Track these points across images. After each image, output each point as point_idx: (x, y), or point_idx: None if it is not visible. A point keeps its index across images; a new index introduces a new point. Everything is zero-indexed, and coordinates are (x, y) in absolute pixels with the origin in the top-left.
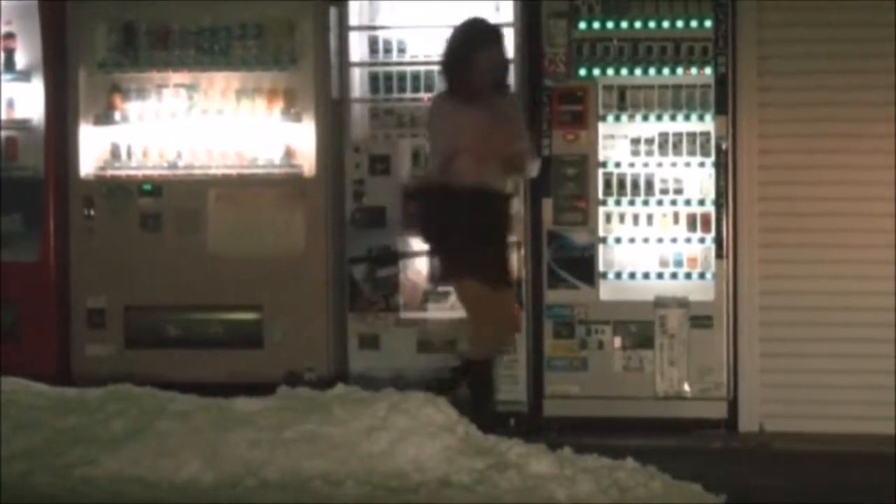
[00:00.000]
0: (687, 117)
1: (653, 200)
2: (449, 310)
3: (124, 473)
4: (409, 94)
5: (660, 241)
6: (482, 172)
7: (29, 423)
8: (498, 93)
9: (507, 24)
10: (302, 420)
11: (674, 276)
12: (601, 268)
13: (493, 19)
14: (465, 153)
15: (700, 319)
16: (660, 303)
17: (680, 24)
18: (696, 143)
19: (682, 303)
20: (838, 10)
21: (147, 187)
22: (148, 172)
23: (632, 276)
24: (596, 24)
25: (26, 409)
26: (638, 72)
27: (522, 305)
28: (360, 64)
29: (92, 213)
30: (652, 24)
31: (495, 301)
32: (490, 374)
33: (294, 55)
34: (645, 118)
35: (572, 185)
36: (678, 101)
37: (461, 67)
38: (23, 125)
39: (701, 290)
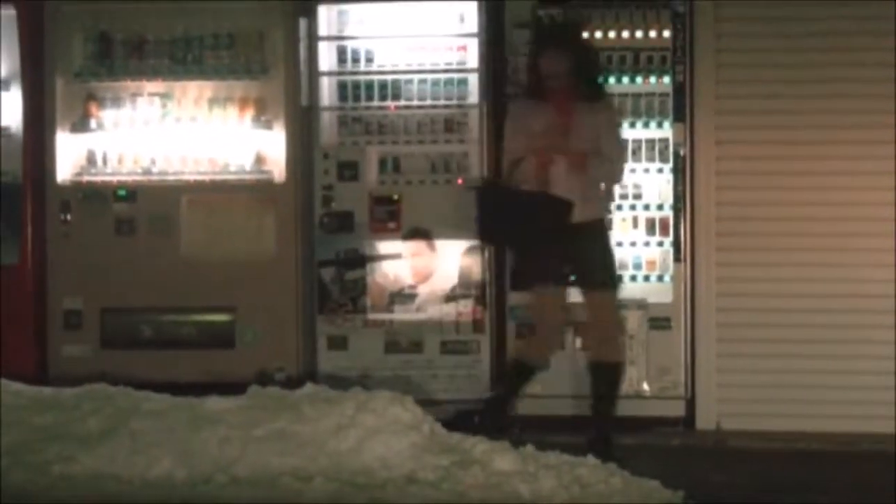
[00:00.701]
0: (646, 124)
1: (612, 205)
2: (415, 311)
3: (100, 470)
4: (376, 103)
5: (619, 244)
6: (547, 177)
7: (7, 421)
8: (583, 96)
9: (472, 34)
10: (272, 418)
11: (633, 278)
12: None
13: (457, 30)
14: (530, 156)
15: (659, 321)
16: (619, 304)
17: (639, 34)
18: (655, 149)
19: (642, 304)
20: (794, 22)
21: (122, 193)
22: (123, 178)
23: None
24: None
25: (4, 407)
26: (599, 80)
27: (486, 307)
28: (329, 73)
29: (69, 217)
30: (612, 34)
31: (551, 305)
32: (610, 381)
33: (265, 65)
34: None
35: None
36: (637, 108)
37: (529, 70)
38: (2, 132)
39: (659, 293)
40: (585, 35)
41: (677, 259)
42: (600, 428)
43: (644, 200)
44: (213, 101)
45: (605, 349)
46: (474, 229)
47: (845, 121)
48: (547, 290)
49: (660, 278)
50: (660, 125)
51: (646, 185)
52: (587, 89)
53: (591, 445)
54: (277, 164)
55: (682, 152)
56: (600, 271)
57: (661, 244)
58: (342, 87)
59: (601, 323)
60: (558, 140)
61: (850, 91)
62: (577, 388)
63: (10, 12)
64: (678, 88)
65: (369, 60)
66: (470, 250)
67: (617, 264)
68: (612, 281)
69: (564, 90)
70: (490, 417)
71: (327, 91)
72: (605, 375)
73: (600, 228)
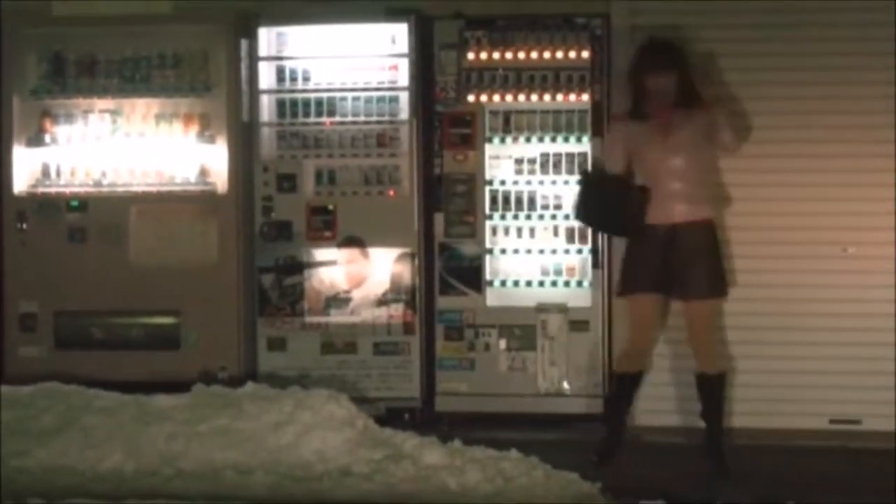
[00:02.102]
0: (566, 139)
1: (535, 215)
2: (349, 314)
3: (54, 464)
4: (312, 119)
5: (541, 252)
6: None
7: None
8: (682, 105)
9: (402, 55)
10: (215, 415)
11: (554, 283)
12: (488, 276)
13: (388, 50)
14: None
15: (578, 323)
16: (541, 308)
17: (560, 54)
18: (574, 162)
19: (562, 308)
20: (703, 43)
21: (74, 203)
22: (75, 189)
23: (516, 283)
24: (483, 55)
25: None
26: (521, 98)
27: (416, 311)
28: (269, 91)
29: (24, 226)
30: (534, 55)
31: (646, 309)
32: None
33: (208, 83)
34: (527, 140)
35: (461, 201)
36: (558, 124)
37: (634, 90)
38: None
39: (579, 297)
40: (685, 50)
41: (595, 265)
42: (711, 439)
43: (564, 210)
44: (159, 117)
45: (704, 361)
46: (574, 213)
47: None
48: (642, 292)
49: (579, 284)
50: (579, 140)
51: (566, 196)
52: (686, 99)
53: (708, 456)
54: (220, 177)
55: None
56: (701, 280)
57: (580, 252)
58: (281, 104)
59: (697, 334)
60: (666, 155)
61: (756, 108)
62: (501, 386)
63: None
64: (596, 106)
65: (306, 79)
66: (401, 257)
67: (724, 275)
68: (716, 289)
69: (668, 105)
70: (613, 444)
71: (267, 108)
72: (706, 387)
73: (707, 230)
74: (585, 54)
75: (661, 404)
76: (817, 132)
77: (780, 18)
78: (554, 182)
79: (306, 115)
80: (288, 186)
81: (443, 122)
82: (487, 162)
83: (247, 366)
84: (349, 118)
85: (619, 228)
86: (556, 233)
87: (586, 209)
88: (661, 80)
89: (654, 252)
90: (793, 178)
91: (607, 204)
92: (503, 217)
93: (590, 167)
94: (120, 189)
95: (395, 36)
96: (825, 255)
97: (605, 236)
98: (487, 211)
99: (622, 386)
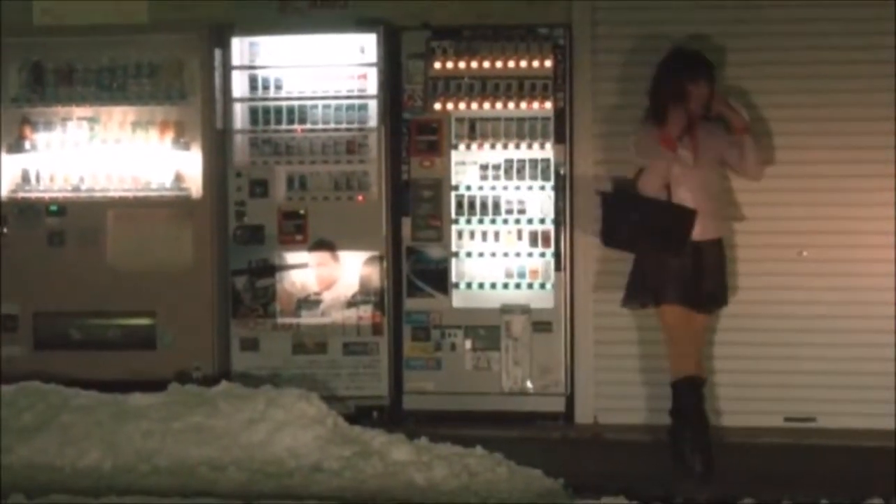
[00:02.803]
0: (529, 146)
1: (499, 219)
2: (319, 316)
3: (34, 460)
4: (284, 126)
5: (505, 255)
6: (704, 223)
7: None
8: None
9: (371, 64)
10: (190, 413)
11: (518, 286)
12: (454, 279)
13: (357, 60)
14: (681, 194)
15: (541, 324)
16: (505, 310)
17: (524, 63)
18: (538, 168)
19: (525, 310)
20: (662, 53)
21: (53, 208)
22: (54, 195)
23: (481, 286)
24: (449, 64)
25: None
26: (486, 106)
27: (385, 312)
28: (242, 99)
29: (5, 230)
30: (499, 64)
31: (686, 318)
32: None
33: (183, 91)
34: (492, 146)
35: (428, 206)
36: (522, 131)
37: (671, 99)
38: None
39: (542, 299)
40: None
41: (558, 268)
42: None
43: (528, 215)
44: (136, 125)
45: (700, 367)
46: (600, 232)
47: None
48: (679, 303)
49: (542, 286)
50: (542, 146)
51: (529, 200)
52: (709, 111)
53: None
54: (195, 182)
55: (562, 171)
56: (715, 293)
57: (543, 255)
58: (254, 111)
59: (699, 342)
60: (690, 169)
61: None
62: (467, 385)
63: None
64: (559, 113)
65: (278, 87)
66: (369, 260)
67: (727, 288)
68: (721, 303)
69: (696, 116)
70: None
71: (240, 115)
72: (686, 390)
73: (720, 247)
74: (548, 63)
75: (623, 403)
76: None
77: (744, 28)
78: (518, 187)
79: (278, 122)
80: (260, 192)
81: (410, 130)
82: (453, 168)
83: (220, 365)
84: (320, 125)
85: (669, 244)
86: (519, 236)
87: (624, 230)
88: (700, 88)
89: (682, 265)
90: (750, 183)
91: (657, 221)
92: (469, 221)
93: (609, 188)
94: (98, 194)
95: (364, 46)
96: (781, 258)
97: (568, 239)
98: (453, 215)
99: (687, 397)
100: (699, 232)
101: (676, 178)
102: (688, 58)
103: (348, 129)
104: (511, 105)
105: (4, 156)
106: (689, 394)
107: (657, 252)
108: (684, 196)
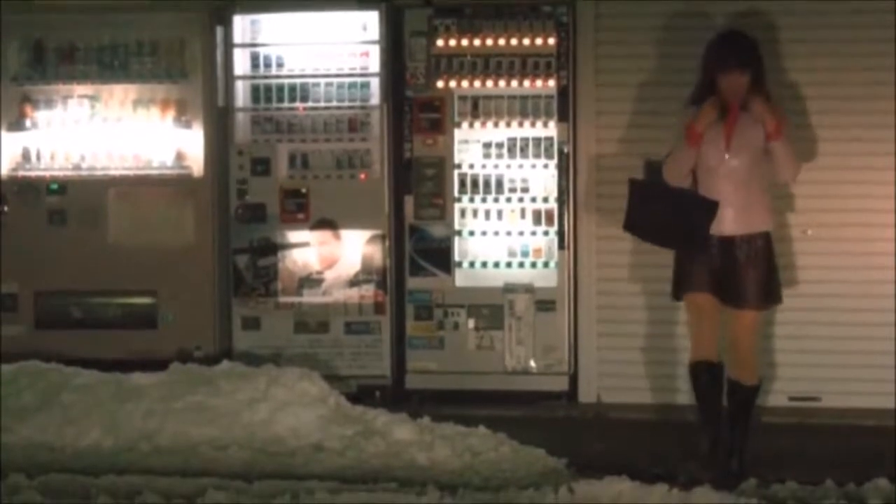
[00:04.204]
0: (532, 124)
1: (502, 198)
2: (321, 295)
3: (34, 440)
4: (286, 104)
5: (508, 233)
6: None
7: None
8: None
9: (373, 42)
10: (191, 392)
11: (521, 264)
12: (457, 257)
13: (360, 37)
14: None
15: (544, 303)
16: (508, 288)
17: (526, 41)
18: (541, 146)
19: (529, 288)
20: (668, 30)
21: (54, 186)
22: (55, 173)
23: (484, 264)
24: (452, 42)
25: None
26: (489, 84)
27: (387, 291)
28: (243, 77)
29: (5, 209)
30: (501, 42)
31: (704, 307)
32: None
33: (185, 69)
34: (495, 125)
35: (431, 184)
36: (525, 109)
37: (704, 87)
38: None
39: (545, 278)
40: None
41: (561, 247)
42: (735, 441)
43: (531, 193)
44: (137, 103)
45: (742, 371)
46: (623, 221)
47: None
48: (699, 293)
49: (545, 265)
50: (545, 125)
51: (532, 179)
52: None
53: (731, 456)
54: (196, 161)
55: (565, 149)
56: (754, 289)
57: (546, 233)
58: (255, 89)
59: (741, 344)
60: (726, 157)
61: None
62: (469, 364)
63: None
64: (562, 91)
65: (280, 65)
66: (372, 239)
67: (778, 284)
68: (766, 301)
69: (735, 105)
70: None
71: (242, 93)
72: (739, 396)
73: (764, 242)
74: (551, 41)
75: (626, 382)
76: None
77: (747, 5)
78: (521, 166)
79: (280, 100)
80: (262, 170)
81: (413, 108)
82: (456, 146)
83: (222, 344)
84: (321, 103)
85: (689, 237)
86: (522, 215)
87: (646, 219)
88: (732, 81)
89: (709, 258)
90: None
91: (678, 214)
92: (472, 200)
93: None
94: (98, 173)
95: (366, 23)
96: (785, 237)
97: (572, 218)
98: (456, 194)
99: (699, 380)
100: (731, 226)
101: (709, 168)
102: (723, 44)
103: (350, 107)
104: (514, 83)
105: (5, 134)
106: (696, 378)
107: (676, 245)
108: (716, 186)
